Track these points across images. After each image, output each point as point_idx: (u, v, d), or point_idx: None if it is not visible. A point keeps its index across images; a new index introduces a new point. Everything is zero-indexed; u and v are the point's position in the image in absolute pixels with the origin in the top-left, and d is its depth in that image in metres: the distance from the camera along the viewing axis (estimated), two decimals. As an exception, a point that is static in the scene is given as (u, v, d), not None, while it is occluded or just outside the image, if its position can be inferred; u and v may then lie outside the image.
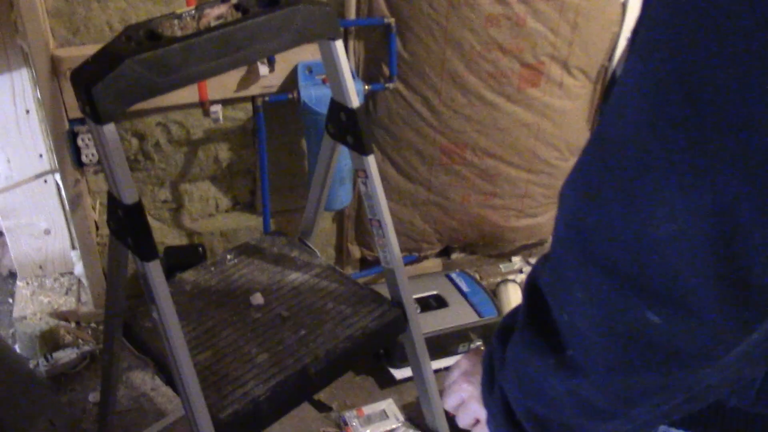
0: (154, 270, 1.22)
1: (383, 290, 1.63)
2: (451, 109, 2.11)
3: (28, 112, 2.13)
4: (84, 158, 1.99)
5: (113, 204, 1.22)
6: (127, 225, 1.20)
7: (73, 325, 2.33)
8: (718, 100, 0.45)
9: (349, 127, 1.47)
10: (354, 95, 1.44)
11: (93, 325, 2.34)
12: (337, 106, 1.47)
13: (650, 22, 0.51)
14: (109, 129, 1.15)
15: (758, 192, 0.46)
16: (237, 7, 1.33)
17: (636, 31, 0.57)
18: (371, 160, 1.48)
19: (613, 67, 2.13)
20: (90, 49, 1.75)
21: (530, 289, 0.67)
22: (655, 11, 0.50)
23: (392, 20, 1.99)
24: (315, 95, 1.95)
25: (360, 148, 1.47)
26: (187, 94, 1.93)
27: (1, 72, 2.05)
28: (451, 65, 2.04)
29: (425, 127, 2.13)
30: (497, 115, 2.13)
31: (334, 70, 1.42)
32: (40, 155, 2.20)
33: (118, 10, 1.93)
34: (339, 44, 1.40)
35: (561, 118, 2.19)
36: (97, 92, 1.11)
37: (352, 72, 2.00)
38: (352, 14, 2.03)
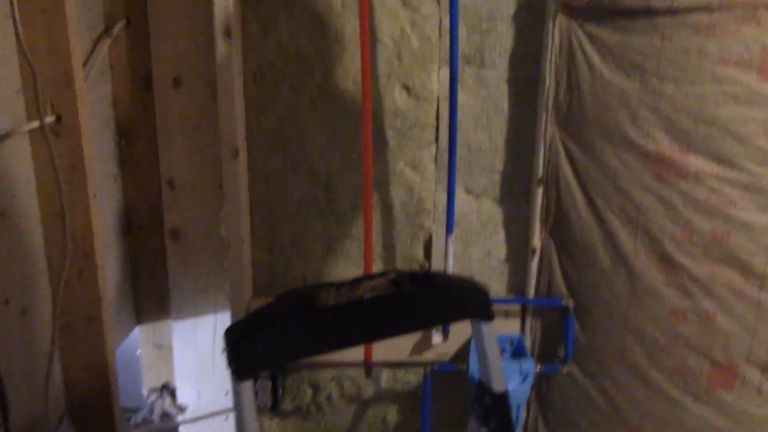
0: None
1: None
2: (629, 402, 1.96)
3: (224, 351, 2.30)
4: (258, 402, 2.08)
5: (239, 459, 1.24)
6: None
7: None
8: None
9: (493, 411, 1.42)
10: (500, 379, 1.40)
11: None
12: (483, 388, 1.43)
13: None
14: (246, 386, 1.21)
15: None
16: (393, 281, 1.40)
17: None
18: (513, 450, 1.40)
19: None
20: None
21: None
22: None
23: (571, 302, 1.97)
24: (484, 369, 1.92)
25: (502, 436, 1.40)
26: (357, 352, 2.00)
27: (208, 312, 2.27)
28: (632, 355, 1.93)
29: (600, 417, 2.00)
30: (682, 415, 1.95)
31: (482, 352, 1.41)
32: (226, 393, 2.34)
33: (314, 267, 2.10)
34: (489, 327, 1.39)
35: (760, 430, 1.95)
36: (241, 352, 1.19)
37: (526, 350, 1.98)
38: (531, 293, 2.03)
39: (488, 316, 1.40)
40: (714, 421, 1.95)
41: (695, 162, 1.82)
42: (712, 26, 1.72)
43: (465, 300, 1.37)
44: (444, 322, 1.36)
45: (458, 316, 1.38)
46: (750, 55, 1.72)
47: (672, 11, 1.74)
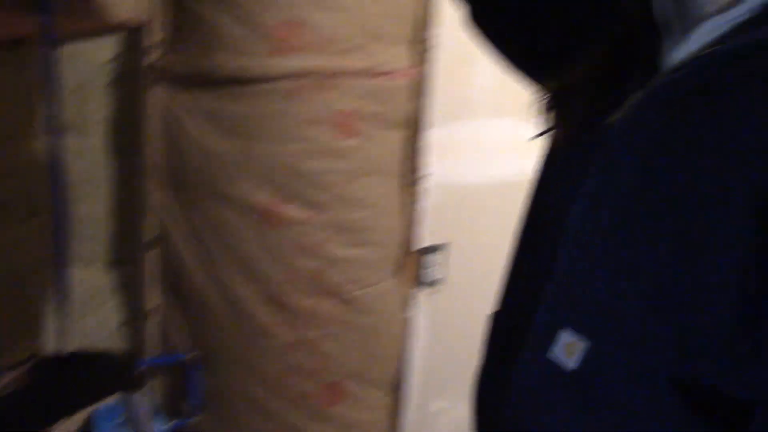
0: None
1: None
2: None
3: None
4: None
5: None
6: None
7: None
8: None
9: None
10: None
11: None
12: (136, 457, 1.47)
13: None
14: None
15: None
16: (28, 371, 1.35)
17: None
18: None
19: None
20: None
21: None
22: None
23: (193, 355, 2.06)
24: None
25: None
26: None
27: None
28: (253, 393, 2.10)
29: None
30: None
31: (131, 420, 1.44)
32: None
33: None
34: (137, 395, 1.43)
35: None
36: None
37: (155, 409, 2.01)
38: (153, 353, 2.08)
39: (135, 386, 1.44)
40: (329, 434, 2.23)
41: (293, 211, 2.05)
42: (296, 91, 1.97)
43: (108, 375, 1.40)
44: (92, 402, 1.36)
45: (105, 393, 1.39)
46: (326, 115, 2.01)
47: (263, 79, 1.95)
